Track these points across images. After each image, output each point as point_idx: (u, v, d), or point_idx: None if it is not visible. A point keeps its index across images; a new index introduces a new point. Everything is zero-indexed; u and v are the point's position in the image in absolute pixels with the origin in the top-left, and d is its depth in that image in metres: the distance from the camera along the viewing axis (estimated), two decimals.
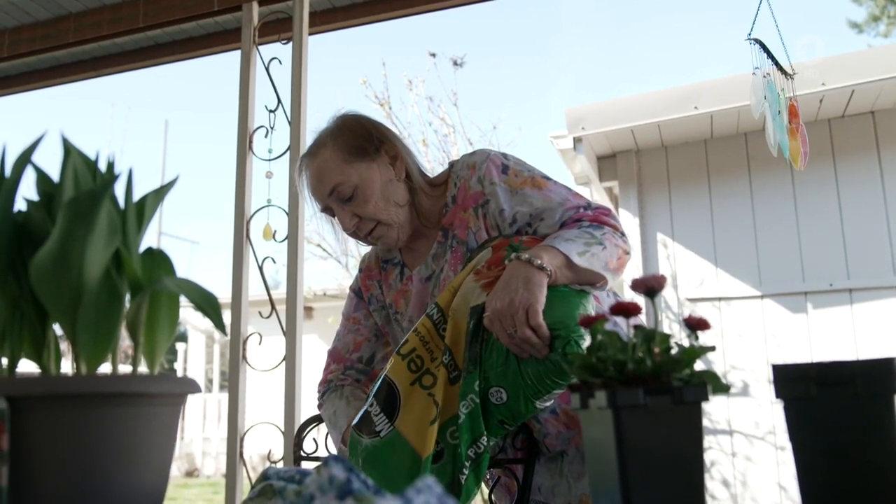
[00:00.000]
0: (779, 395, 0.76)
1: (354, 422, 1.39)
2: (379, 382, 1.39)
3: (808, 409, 0.72)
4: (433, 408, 1.32)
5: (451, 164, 1.61)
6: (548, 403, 1.32)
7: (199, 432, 12.82)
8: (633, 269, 4.88)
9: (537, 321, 1.23)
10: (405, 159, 1.59)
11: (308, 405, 2.06)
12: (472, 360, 1.31)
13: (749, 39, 2.97)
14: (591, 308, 1.34)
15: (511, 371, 1.28)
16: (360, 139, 1.57)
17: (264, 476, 0.81)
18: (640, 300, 0.87)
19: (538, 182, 1.49)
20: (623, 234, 1.44)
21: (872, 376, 0.68)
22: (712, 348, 0.75)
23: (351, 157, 1.54)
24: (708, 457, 4.63)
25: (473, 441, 1.30)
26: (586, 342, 1.24)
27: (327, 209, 1.58)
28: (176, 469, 12.19)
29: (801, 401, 0.73)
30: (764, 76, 2.93)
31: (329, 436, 1.63)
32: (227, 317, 2.68)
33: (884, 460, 0.67)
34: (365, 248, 1.76)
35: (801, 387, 0.73)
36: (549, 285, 1.28)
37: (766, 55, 3.01)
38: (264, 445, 3.03)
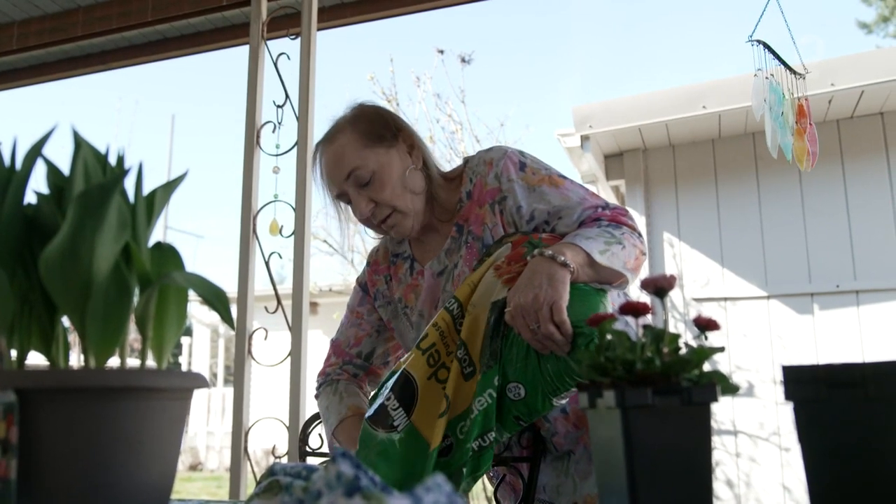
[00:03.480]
0: (788, 396, 0.75)
1: (368, 415, 1.40)
2: (397, 375, 1.40)
3: (817, 410, 0.72)
4: (444, 402, 1.32)
5: (466, 160, 1.60)
6: (563, 401, 1.32)
7: (202, 426, 12.86)
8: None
9: (562, 317, 1.23)
10: (422, 149, 1.60)
11: (313, 401, 2.07)
12: (492, 356, 1.31)
13: (751, 41, 2.97)
14: (609, 307, 1.34)
15: (531, 367, 1.28)
16: (378, 126, 1.57)
17: (271, 472, 0.81)
18: (648, 299, 0.86)
19: (555, 180, 1.49)
20: (640, 235, 1.44)
21: (884, 378, 0.67)
22: (721, 349, 0.75)
23: (369, 143, 1.54)
24: (712, 457, 4.62)
25: (480, 435, 1.30)
26: None
27: (342, 196, 1.56)
28: (179, 463, 12.21)
29: (810, 403, 0.73)
30: (766, 77, 2.92)
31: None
32: (232, 312, 2.68)
33: (894, 463, 0.67)
34: (372, 243, 1.77)
35: (810, 388, 0.72)
36: (571, 283, 1.28)
37: (771, 55, 3.00)
38: (268, 440, 3.03)
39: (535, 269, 1.29)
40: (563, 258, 1.27)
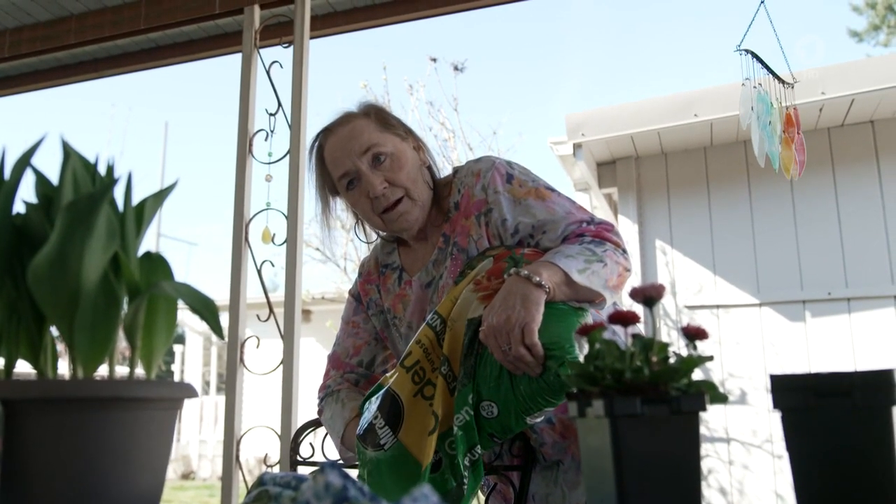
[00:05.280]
0: (776, 405, 0.75)
1: (358, 432, 1.39)
2: (382, 394, 1.39)
3: (805, 419, 0.72)
4: (432, 418, 1.31)
5: (456, 170, 1.60)
6: (538, 419, 1.31)
7: (195, 435, 12.79)
8: (632, 276, 4.86)
9: (532, 340, 1.22)
10: (427, 152, 1.62)
11: (305, 409, 2.06)
12: (466, 374, 1.30)
13: (739, 50, 2.98)
14: None
15: (504, 387, 1.27)
16: (392, 118, 1.60)
17: (260, 481, 0.81)
18: (637, 309, 0.87)
19: (542, 193, 1.48)
20: (625, 251, 1.43)
21: (871, 387, 0.68)
22: (710, 358, 0.75)
23: (386, 129, 1.55)
24: (705, 465, 4.62)
25: (468, 450, 1.29)
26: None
27: (347, 175, 1.53)
28: (172, 471, 12.16)
29: (798, 411, 0.73)
30: (755, 86, 2.93)
31: (329, 439, 1.63)
32: (224, 320, 2.67)
33: (882, 472, 0.67)
34: (363, 249, 1.77)
35: (799, 397, 0.73)
36: (547, 302, 1.27)
37: (760, 65, 3.02)
38: (260, 449, 3.02)
39: (510, 289, 1.28)
40: (538, 279, 1.26)
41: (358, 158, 1.51)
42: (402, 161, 1.52)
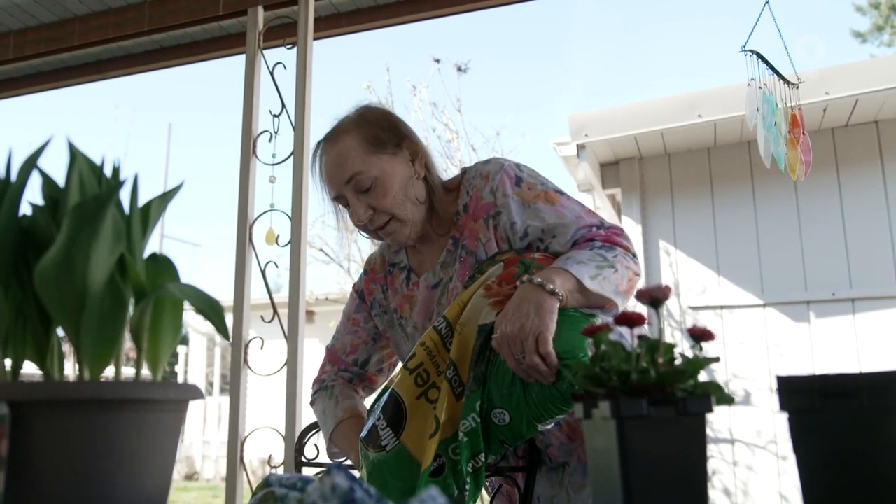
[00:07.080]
0: (783, 406, 0.75)
1: (362, 435, 1.40)
2: (386, 396, 1.39)
3: (812, 421, 0.72)
4: (434, 422, 1.32)
5: (464, 171, 1.59)
6: (549, 426, 1.31)
7: (199, 435, 12.81)
8: None
9: (547, 349, 1.22)
10: (425, 158, 1.57)
11: (309, 410, 2.06)
12: (476, 380, 1.30)
13: (744, 51, 2.98)
14: None
15: (516, 394, 1.27)
16: (383, 131, 1.54)
17: (266, 483, 0.81)
18: (643, 310, 0.87)
19: (551, 197, 1.48)
20: (634, 256, 1.42)
21: (878, 389, 0.68)
22: (716, 359, 0.75)
23: (373, 148, 1.51)
24: (709, 466, 4.61)
25: (472, 456, 1.29)
26: None
27: (340, 198, 1.54)
28: (175, 472, 12.16)
29: (805, 413, 0.73)
30: (760, 87, 2.93)
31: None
32: (228, 321, 2.67)
33: (889, 474, 0.67)
34: (367, 250, 1.77)
35: (805, 399, 0.72)
36: (559, 309, 1.27)
37: (765, 66, 3.02)
38: (265, 450, 3.02)
39: (524, 296, 1.27)
40: (551, 286, 1.26)
41: (343, 186, 1.51)
42: (386, 186, 1.49)
